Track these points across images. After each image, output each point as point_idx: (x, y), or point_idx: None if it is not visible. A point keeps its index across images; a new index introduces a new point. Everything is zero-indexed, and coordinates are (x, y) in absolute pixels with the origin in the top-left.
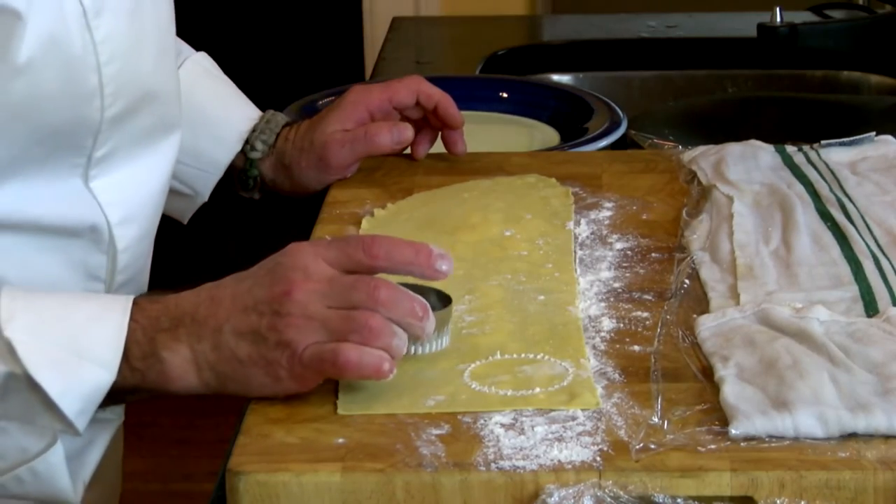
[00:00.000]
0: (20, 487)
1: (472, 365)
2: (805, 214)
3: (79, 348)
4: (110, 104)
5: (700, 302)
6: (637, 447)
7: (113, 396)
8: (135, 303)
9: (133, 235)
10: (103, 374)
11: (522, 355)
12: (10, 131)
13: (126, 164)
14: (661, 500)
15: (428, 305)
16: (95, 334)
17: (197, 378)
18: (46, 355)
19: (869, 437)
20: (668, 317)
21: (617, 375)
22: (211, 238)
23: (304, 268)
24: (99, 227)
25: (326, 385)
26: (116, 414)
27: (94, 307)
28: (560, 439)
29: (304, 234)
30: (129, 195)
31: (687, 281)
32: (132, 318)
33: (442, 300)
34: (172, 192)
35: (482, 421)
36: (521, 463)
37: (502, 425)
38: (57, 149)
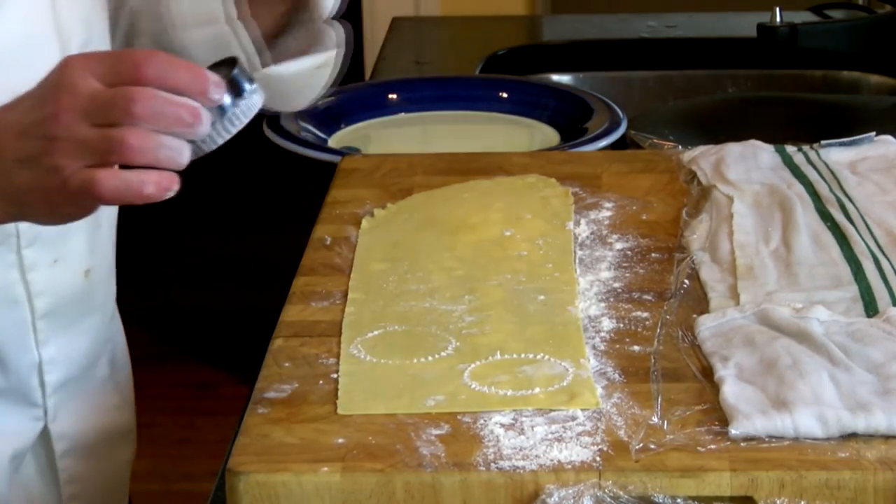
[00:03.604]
0: None
1: (472, 365)
2: (805, 214)
3: None
4: None
5: (700, 302)
6: (637, 447)
7: None
8: None
9: None
10: None
11: (522, 355)
12: None
13: None
14: (660, 500)
15: (198, 107)
16: None
17: None
18: None
19: (869, 437)
20: (667, 317)
21: (617, 375)
22: (211, 238)
23: (71, 85)
24: None
25: (326, 385)
26: (21, 297)
27: None
28: (560, 439)
29: (304, 233)
30: None
31: (687, 281)
32: None
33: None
34: None
35: (482, 421)
36: (520, 463)
37: (502, 425)
38: None
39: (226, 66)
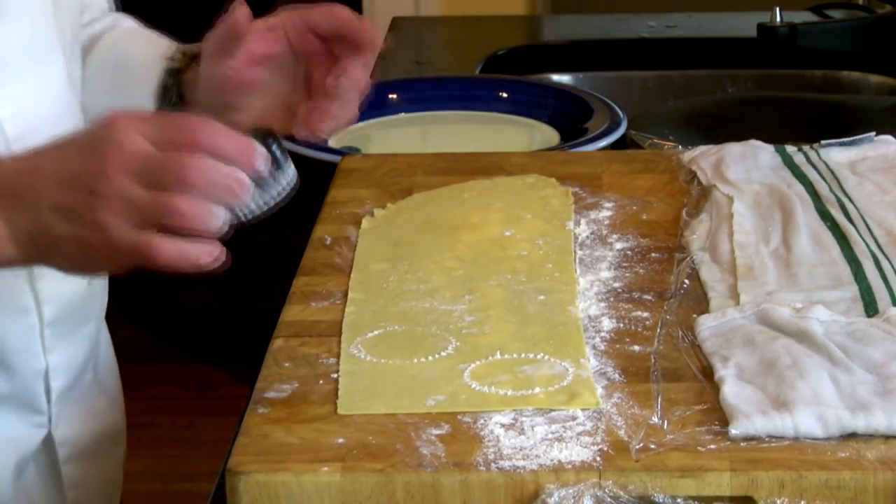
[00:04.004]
0: None
1: (472, 365)
2: (805, 214)
3: None
4: None
5: (700, 302)
6: (637, 447)
7: None
8: None
9: None
10: None
11: (522, 355)
12: None
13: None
14: (661, 500)
15: (244, 178)
16: None
17: (15, 250)
18: None
19: (869, 437)
20: (668, 317)
21: (617, 375)
22: None
23: (120, 143)
24: None
25: (326, 385)
26: (31, 305)
27: None
28: (560, 439)
29: (304, 233)
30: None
31: (687, 281)
32: None
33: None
34: None
35: (482, 421)
36: (521, 463)
37: (502, 425)
38: None
39: (261, 137)
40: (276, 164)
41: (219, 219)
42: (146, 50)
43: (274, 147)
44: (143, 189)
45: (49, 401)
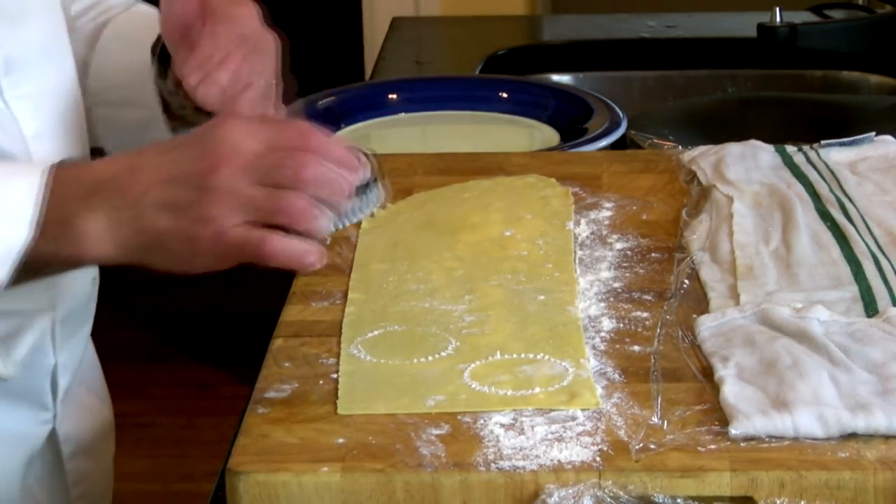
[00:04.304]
0: None
1: (472, 365)
2: (805, 214)
3: None
4: None
5: (700, 302)
6: (637, 447)
7: (31, 266)
8: (53, 167)
9: (49, 150)
10: (19, 231)
11: (522, 355)
12: None
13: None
14: (661, 500)
15: (351, 182)
16: (10, 194)
17: (113, 248)
18: None
19: (869, 437)
20: (667, 317)
21: (617, 375)
22: None
23: (234, 143)
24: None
25: (326, 385)
26: (47, 304)
27: (9, 169)
28: (560, 439)
29: None
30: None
31: (687, 281)
32: (47, 183)
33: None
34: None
35: (482, 421)
36: (520, 463)
37: (502, 425)
38: None
39: (358, 150)
40: (373, 176)
41: (327, 220)
42: (153, 19)
43: (371, 160)
44: (255, 186)
45: (55, 397)
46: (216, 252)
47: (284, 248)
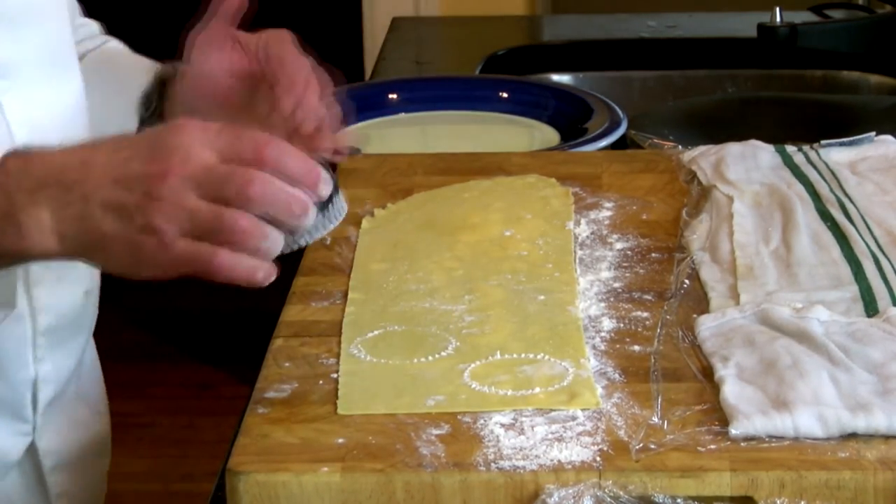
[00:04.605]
0: None
1: (472, 365)
2: (805, 214)
3: None
4: None
5: (700, 302)
6: (637, 447)
7: None
8: (4, 157)
9: None
10: None
11: (522, 355)
12: None
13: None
14: (661, 501)
15: (307, 200)
16: None
17: (58, 245)
18: None
19: (869, 437)
20: (668, 317)
21: (617, 375)
22: None
23: (186, 150)
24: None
25: (326, 385)
26: (24, 310)
27: None
28: (560, 439)
29: None
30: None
31: (687, 281)
32: None
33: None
34: None
35: (482, 421)
36: (520, 463)
37: (502, 425)
38: None
39: (321, 162)
40: (335, 191)
41: (274, 242)
42: (132, 61)
43: (331, 174)
44: (202, 200)
45: (35, 410)
46: (162, 262)
47: (232, 265)
